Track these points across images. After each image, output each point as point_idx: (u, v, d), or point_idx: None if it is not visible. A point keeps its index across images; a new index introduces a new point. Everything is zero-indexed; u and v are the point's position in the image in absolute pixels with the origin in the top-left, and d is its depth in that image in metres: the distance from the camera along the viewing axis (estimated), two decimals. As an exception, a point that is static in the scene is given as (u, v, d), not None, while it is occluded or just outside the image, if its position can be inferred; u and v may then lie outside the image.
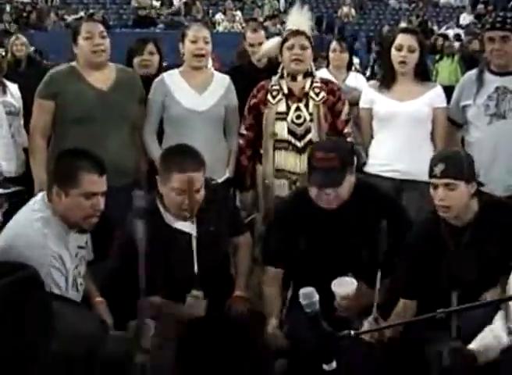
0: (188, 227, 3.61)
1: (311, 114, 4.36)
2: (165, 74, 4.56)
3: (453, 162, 3.38)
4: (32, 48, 8.97)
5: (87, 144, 3.61)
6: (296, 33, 4.41)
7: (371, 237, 3.49)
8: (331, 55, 5.88)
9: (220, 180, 4.29)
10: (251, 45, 5.40)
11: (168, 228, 3.59)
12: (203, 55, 4.49)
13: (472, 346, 3.02)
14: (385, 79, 4.56)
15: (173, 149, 3.75)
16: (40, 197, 3.31)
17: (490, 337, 3.04)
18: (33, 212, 3.22)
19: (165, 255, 3.52)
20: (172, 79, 4.49)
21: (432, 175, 3.39)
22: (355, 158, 3.72)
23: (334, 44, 5.94)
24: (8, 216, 3.33)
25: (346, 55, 5.97)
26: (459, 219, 3.42)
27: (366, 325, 3.28)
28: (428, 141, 4.50)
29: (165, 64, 5.16)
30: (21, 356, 1.34)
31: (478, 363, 2.98)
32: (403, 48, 4.43)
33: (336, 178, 3.50)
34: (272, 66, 4.93)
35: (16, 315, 1.36)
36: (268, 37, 5.46)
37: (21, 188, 3.71)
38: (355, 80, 5.87)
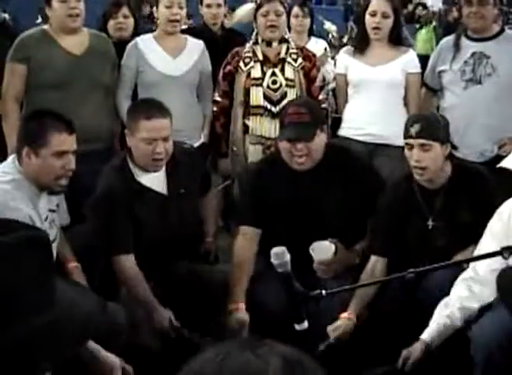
0: (159, 187, 3.61)
1: (286, 79, 4.36)
2: (138, 39, 4.53)
3: (429, 123, 3.40)
4: (6, 15, 8.82)
5: (60, 110, 3.56)
6: None
7: (344, 199, 3.53)
8: (292, 20, 5.64)
9: (196, 145, 4.33)
10: (208, 6, 5.04)
11: (139, 184, 3.59)
12: (177, 21, 4.46)
13: (425, 336, 3.05)
14: (359, 44, 4.55)
15: (139, 101, 3.90)
16: (10, 160, 3.28)
17: (444, 317, 3.07)
18: (4, 175, 3.19)
19: (134, 211, 3.52)
20: (146, 43, 4.46)
21: (407, 135, 3.41)
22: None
23: (296, 10, 5.74)
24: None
25: (308, 21, 5.85)
26: (432, 182, 3.45)
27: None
28: (402, 105, 4.51)
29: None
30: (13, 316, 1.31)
31: (432, 349, 3.04)
32: (377, 13, 4.42)
33: (307, 132, 3.50)
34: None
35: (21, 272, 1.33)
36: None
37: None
38: (315, 45, 5.81)
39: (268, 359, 0.99)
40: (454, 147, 3.49)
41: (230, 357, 1.00)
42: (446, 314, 3.07)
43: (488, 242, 3.07)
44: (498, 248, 2.54)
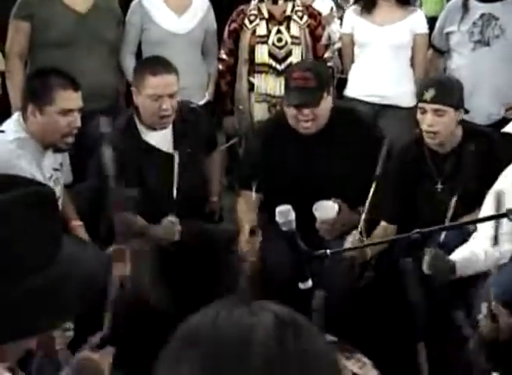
0: (165, 146, 3.60)
1: (292, 37, 4.33)
2: (142, -4, 4.47)
3: (444, 88, 3.37)
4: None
5: (64, 68, 3.53)
6: None
7: (349, 160, 3.51)
8: None
9: (201, 103, 4.31)
10: None
11: (145, 144, 3.59)
12: None
13: (452, 257, 3.03)
14: (367, 4, 4.49)
15: (146, 58, 3.93)
16: (15, 117, 3.26)
17: (468, 252, 3.06)
18: (8, 133, 3.17)
19: (140, 171, 3.52)
20: (151, 1, 4.40)
21: (421, 99, 3.37)
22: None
23: None
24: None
25: None
26: (443, 146, 3.43)
27: (350, 239, 3.28)
28: (408, 67, 4.48)
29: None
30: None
31: (456, 275, 3.00)
32: None
33: (313, 97, 3.47)
34: None
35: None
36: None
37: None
38: (321, 4, 5.74)
39: (261, 315, 1.02)
40: (467, 111, 3.46)
41: (223, 314, 1.02)
42: (468, 251, 3.05)
43: (492, 204, 3.06)
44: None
